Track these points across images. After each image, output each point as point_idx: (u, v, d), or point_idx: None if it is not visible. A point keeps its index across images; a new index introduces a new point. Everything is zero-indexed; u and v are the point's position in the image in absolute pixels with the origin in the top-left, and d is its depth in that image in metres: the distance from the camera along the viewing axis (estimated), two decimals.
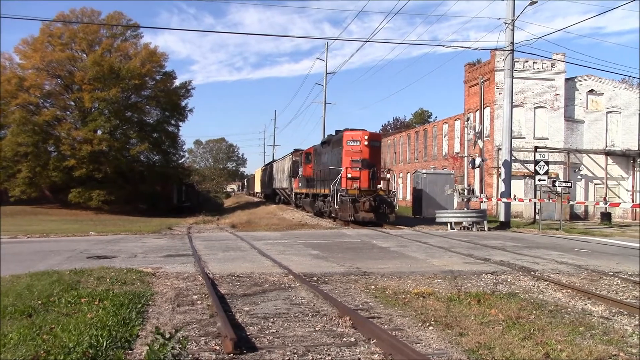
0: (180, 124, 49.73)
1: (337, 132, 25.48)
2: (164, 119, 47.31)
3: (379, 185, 23.29)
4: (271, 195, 50.65)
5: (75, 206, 39.26)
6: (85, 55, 43.46)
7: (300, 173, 32.00)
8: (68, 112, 44.45)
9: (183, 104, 48.67)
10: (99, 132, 42.14)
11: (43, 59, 40.34)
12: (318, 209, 26.90)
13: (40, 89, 41.36)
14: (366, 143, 22.83)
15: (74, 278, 8.54)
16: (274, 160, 54.07)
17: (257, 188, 69.28)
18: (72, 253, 12.39)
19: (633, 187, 33.20)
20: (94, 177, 40.13)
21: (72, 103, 43.84)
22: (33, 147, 38.91)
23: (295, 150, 37.83)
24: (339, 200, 21.96)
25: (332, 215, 23.68)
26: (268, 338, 5.59)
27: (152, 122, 46.88)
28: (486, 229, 21.64)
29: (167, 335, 4.73)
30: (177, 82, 48.74)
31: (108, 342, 5.10)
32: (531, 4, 22.91)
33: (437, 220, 22.76)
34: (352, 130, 23.59)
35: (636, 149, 33.13)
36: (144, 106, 45.42)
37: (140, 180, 43.43)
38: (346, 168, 22.53)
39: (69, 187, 39.99)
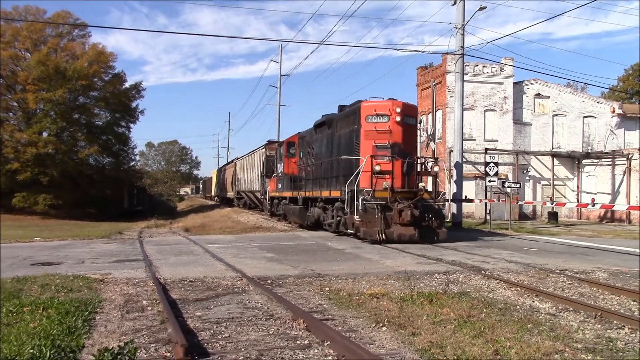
0: (131, 125, 48.86)
1: (342, 107, 18.64)
2: (114, 121, 46.22)
3: (420, 184, 16.49)
4: (233, 200, 43.98)
5: (19, 211, 37.85)
6: (29, 54, 41.98)
7: (279, 171, 24.44)
8: (11, 114, 42.84)
9: (134, 105, 47.73)
10: (45, 134, 40.77)
11: None
12: (314, 220, 19.36)
13: None
14: (398, 119, 15.85)
15: (16, 286, 8.18)
16: (237, 158, 44.80)
17: (216, 191, 61.49)
18: (15, 260, 11.88)
19: (578, 187, 34.46)
20: (39, 180, 38.76)
21: (15, 104, 42.28)
22: None
23: (270, 142, 30.81)
24: (361, 207, 14.90)
25: (347, 229, 16.15)
26: (220, 343, 5.48)
27: (101, 124, 45.72)
28: None
29: (117, 350, 4.57)
30: (128, 84, 47.76)
31: (52, 352, 4.87)
32: (480, 9, 23.49)
33: None
34: (374, 100, 16.34)
35: (580, 150, 34.41)
36: (93, 107, 44.24)
37: (89, 183, 42.26)
38: (370, 157, 15.48)
39: (12, 191, 38.50)
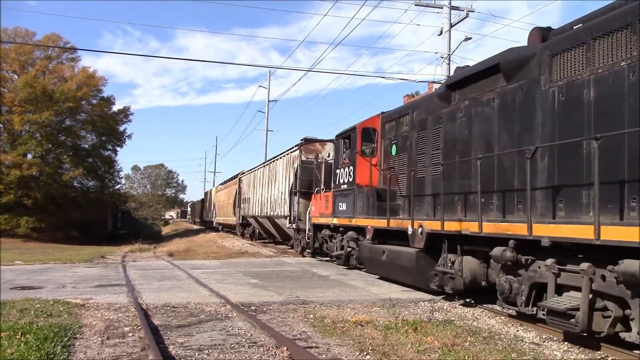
0: (118, 149, 48.61)
1: (546, 32, 8.25)
2: (100, 144, 46.04)
3: None
4: (236, 227, 35.58)
5: (1, 233, 37.26)
6: (16, 76, 41.91)
7: (341, 181, 14.90)
8: None
9: (121, 129, 47.65)
10: (29, 156, 40.46)
11: None
12: (463, 285, 9.10)
13: None
14: None
15: None
16: (242, 173, 34.21)
17: (207, 216, 52.68)
18: None
19: None
20: (22, 203, 38.34)
21: (1, 125, 42.02)
22: None
23: (307, 141, 20.85)
24: None
25: None
26: None
27: (87, 146, 45.51)
28: None
29: None
30: (116, 107, 47.70)
31: None
32: (466, 40, 23.97)
33: None
34: None
35: None
36: (79, 130, 44.05)
37: (73, 206, 41.83)
38: None
39: None
